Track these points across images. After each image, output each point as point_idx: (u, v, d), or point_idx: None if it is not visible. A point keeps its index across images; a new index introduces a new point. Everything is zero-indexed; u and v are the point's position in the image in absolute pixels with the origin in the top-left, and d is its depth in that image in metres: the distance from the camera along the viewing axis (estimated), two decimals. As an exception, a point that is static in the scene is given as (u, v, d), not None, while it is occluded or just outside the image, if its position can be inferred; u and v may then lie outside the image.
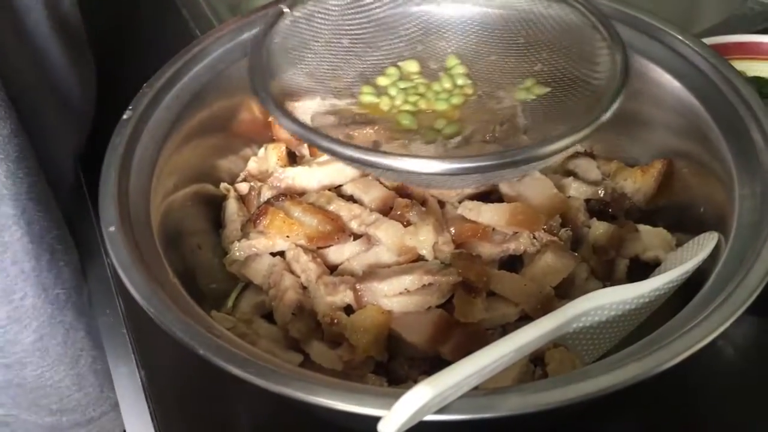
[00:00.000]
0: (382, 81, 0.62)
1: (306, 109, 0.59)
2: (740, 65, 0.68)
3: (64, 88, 0.69)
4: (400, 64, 0.62)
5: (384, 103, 0.60)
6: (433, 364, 0.52)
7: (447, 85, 0.61)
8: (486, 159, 0.46)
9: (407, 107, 0.60)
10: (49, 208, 0.61)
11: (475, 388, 0.40)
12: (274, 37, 0.56)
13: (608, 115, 0.49)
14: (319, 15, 0.59)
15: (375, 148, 0.51)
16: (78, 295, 0.65)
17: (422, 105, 0.60)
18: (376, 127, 0.58)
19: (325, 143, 0.48)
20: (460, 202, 0.59)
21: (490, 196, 0.62)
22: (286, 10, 0.57)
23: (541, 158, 0.48)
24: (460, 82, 0.61)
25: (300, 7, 0.58)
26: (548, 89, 0.58)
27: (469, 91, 0.61)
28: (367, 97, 0.61)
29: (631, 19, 0.62)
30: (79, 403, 0.69)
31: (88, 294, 0.66)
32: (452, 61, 0.63)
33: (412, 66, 0.62)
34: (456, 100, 0.60)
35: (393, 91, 0.61)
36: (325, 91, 0.60)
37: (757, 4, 0.89)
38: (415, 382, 0.37)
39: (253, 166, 0.67)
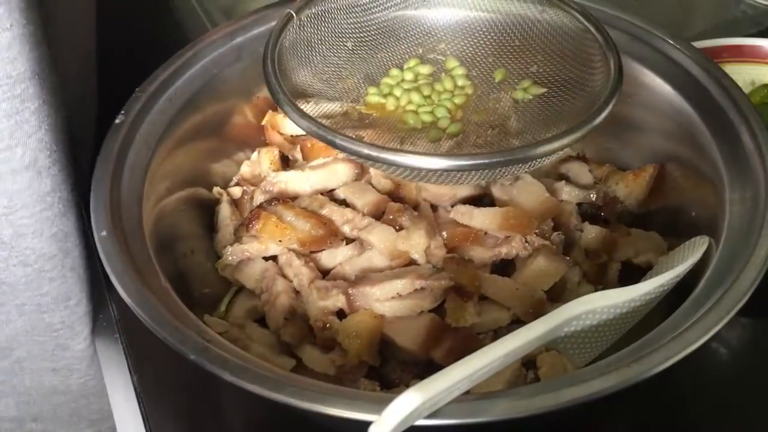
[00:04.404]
0: (387, 82, 0.63)
1: (313, 109, 0.59)
2: (733, 68, 0.69)
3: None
4: (408, 65, 0.64)
5: (390, 104, 0.62)
6: (425, 368, 0.52)
7: (448, 85, 0.62)
8: (487, 156, 0.49)
9: (411, 107, 0.61)
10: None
11: (467, 392, 0.40)
12: (284, 41, 0.58)
13: (601, 118, 0.51)
14: (325, 19, 0.61)
15: (387, 146, 0.53)
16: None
17: (426, 105, 0.62)
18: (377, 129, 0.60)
19: (342, 141, 0.50)
20: (452, 206, 0.59)
21: (482, 200, 0.62)
22: (293, 13, 0.59)
23: (538, 157, 0.50)
24: (460, 83, 0.63)
25: (306, 11, 0.60)
26: (544, 89, 0.60)
27: (469, 91, 0.63)
28: (374, 97, 0.62)
29: (622, 23, 0.62)
30: None
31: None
32: (452, 63, 0.64)
33: (424, 68, 0.64)
34: (458, 100, 0.62)
35: (398, 92, 0.62)
36: (331, 92, 0.61)
37: (750, 7, 0.90)
38: (408, 386, 0.38)
39: (246, 170, 0.67)
